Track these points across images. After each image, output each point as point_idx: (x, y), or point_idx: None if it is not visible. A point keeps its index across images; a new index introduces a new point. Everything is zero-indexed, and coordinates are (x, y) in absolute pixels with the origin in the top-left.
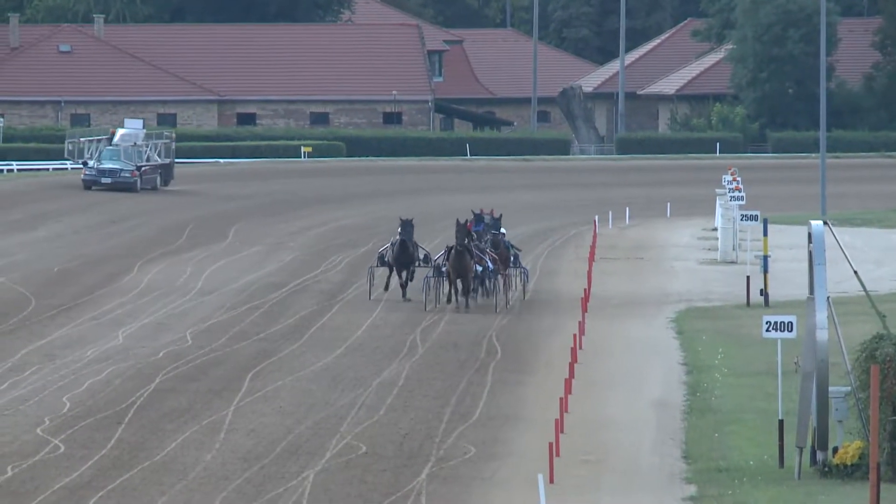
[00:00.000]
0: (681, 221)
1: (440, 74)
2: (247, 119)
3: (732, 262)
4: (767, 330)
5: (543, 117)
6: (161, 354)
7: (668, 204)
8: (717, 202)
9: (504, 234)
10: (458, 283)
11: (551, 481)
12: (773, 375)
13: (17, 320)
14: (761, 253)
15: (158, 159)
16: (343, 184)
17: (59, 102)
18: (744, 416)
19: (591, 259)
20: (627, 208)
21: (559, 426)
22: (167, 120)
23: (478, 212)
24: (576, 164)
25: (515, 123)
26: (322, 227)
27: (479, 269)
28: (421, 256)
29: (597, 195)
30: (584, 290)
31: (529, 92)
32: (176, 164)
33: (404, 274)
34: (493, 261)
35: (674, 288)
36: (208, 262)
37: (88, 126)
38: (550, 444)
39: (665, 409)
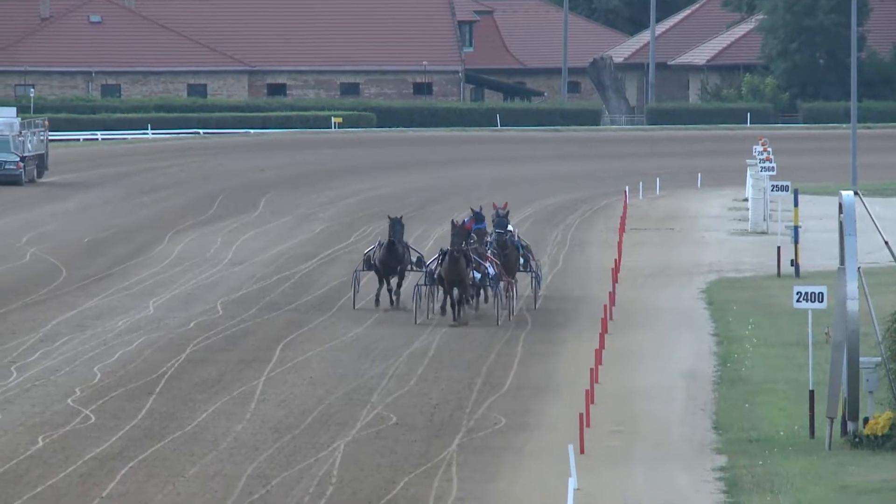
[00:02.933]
0: (711, 192)
1: (471, 45)
2: (277, 90)
3: (763, 233)
4: (798, 300)
5: (574, 88)
6: (192, 325)
7: (699, 174)
8: (748, 172)
9: (513, 231)
10: (454, 292)
11: (581, 452)
12: (804, 346)
13: (48, 291)
14: (792, 223)
15: (30, 149)
16: (373, 154)
17: (89, 73)
18: (774, 387)
19: (622, 230)
20: (658, 179)
21: (590, 396)
22: (197, 91)
23: (477, 209)
24: (606, 134)
25: (546, 94)
26: (352, 197)
27: (478, 276)
28: (413, 259)
29: (627, 166)
30: (615, 260)
31: (560, 62)
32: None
33: (393, 280)
34: (496, 265)
35: (704, 258)
36: (238, 233)
37: (119, 97)
38: (581, 415)
39: (695, 379)
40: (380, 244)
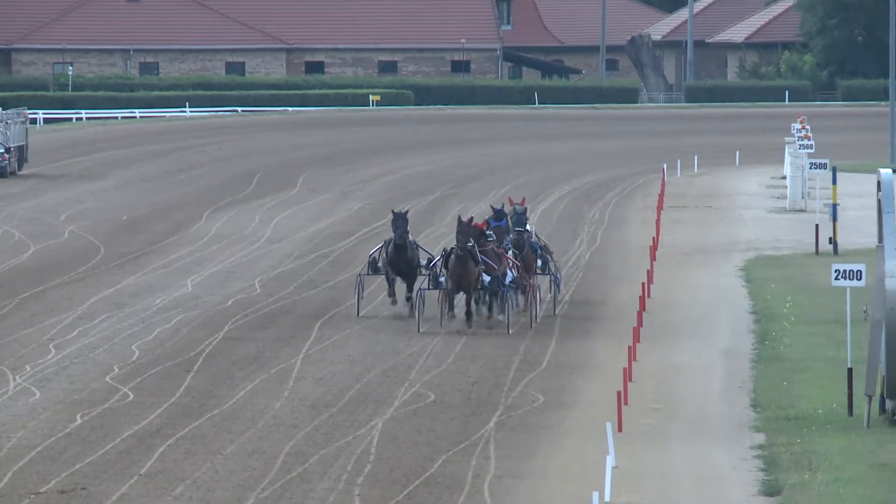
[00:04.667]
0: (749, 169)
1: (508, 22)
2: (315, 67)
3: (801, 211)
4: (836, 278)
5: (612, 65)
6: (230, 303)
7: (737, 152)
8: (786, 150)
9: (531, 231)
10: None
11: (619, 430)
12: (842, 324)
13: (87, 268)
14: (830, 201)
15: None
16: (411, 132)
17: (127, 51)
18: (813, 365)
19: (660, 207)
20: (696, 156)
21: (627, 375)
22: (235, 69)
23: (499, 207)
24: (644, 112)
25: (584, 72)
26: (390, 175)
27: (487, 278)
28: (423, 262)
29: (665, 143)
30: (653, 238)
31: (598, 40)
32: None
33: (403, 284)
34: (517, 268)
35: (742, 236)
36: (276, 211)
37: (158, 76)
38: (619, 393)
39: (734, 357)
40: (385, 244)
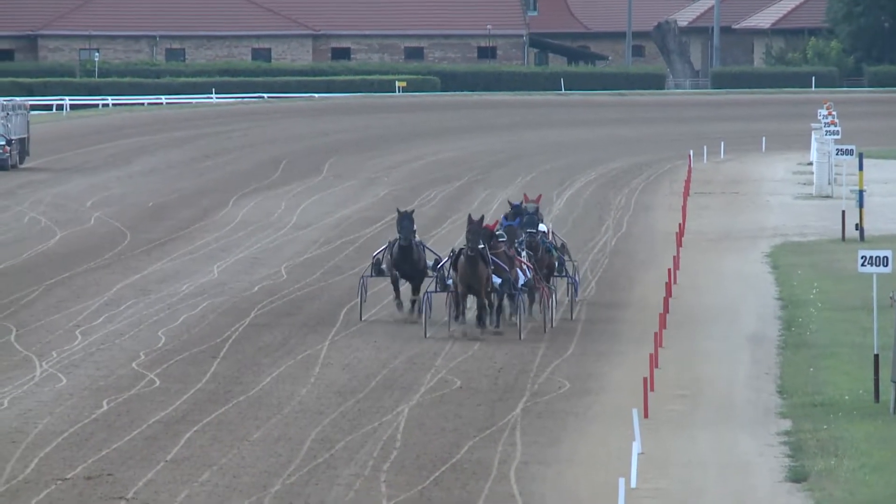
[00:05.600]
0: (776, 156)
1: (535, 8)
2: (341, 54)
3: (828, 197)
4: (863, 264)
5: (638, 52)
6: (256, 289)
7: (763, 138)
8: (813, 136)
9: (545, 231)
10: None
11: (646, 416)
12: (869, 310)
13: (113, 255)
14: (857, 187)
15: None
16: (437, 119)
17: (153, 37)
18: (839, 351)
19: (686, 194)
20: (722, 143)
21: (653, 361)
22: (261, 55)
23: (517, 203)
24: (670, 98)
25: (610, 58)
26: (416, 162)
27: (498, 281)
28: (431, 263)
29: (691, 129)
30: (679, 224)
31: (624, 26)
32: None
33: (409, 287)
34: (531, 270)
35: (769, 222)
36: (303, 197)
37: (184, 62)
38: (645, 379)
39: (760, 343)
40: (390, 245)
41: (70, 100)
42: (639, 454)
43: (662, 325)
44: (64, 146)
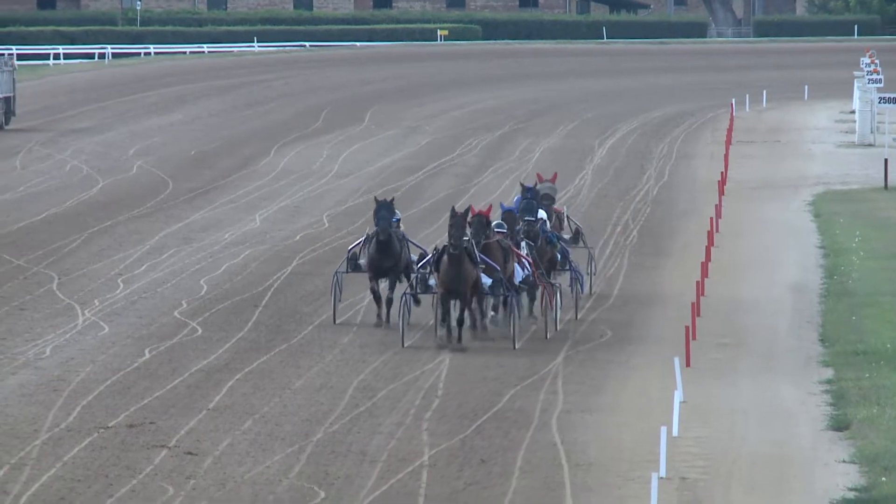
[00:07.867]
0: (818, 104)
1: None
2: (383, 2)
3: (870, 145)
4: None
5: (680, 0)
6: (298, 237)
7: (806, 87)
8: (855, 85)
9: (545, 219)
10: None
11: (688, 365)
12: None
13: (155, 203)
14: None
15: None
16: (479, 67)
17: None
18: (881, 300)
19: (728, 142)
20: (764, 91)
21: (695, 309)
22: (303, 3)
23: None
24: (712, 47)
25: (652, 6)
26: (458, 110)
27: (488, 282)
28: (414, 258)
29: (734, 78)
30: (721, 173)
31: None
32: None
33: (384, 284)
34: (531, 265)
35: (811, 171)
36: (344, 146)
37: (226, 10)
38: (686, 328)
39: (802, 292)
40: (367, 238)
41: (112, 48)
42: (680, 403)
43: (704, 273)
44: (106, 95)
